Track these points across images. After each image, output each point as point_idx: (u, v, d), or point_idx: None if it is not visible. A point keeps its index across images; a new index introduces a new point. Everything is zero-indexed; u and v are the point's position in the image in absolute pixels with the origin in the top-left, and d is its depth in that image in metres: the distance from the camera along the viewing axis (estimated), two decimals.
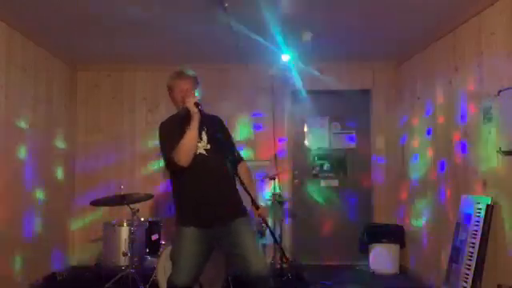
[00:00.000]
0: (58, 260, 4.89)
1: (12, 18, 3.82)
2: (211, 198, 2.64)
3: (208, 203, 2.63)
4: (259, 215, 2.77)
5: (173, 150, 2.57)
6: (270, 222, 4.66)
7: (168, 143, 2.64)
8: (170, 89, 2.83)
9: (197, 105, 2.60)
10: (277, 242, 2.94)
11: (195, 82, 2.81)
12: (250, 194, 2.68)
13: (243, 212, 2.73)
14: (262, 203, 2.85)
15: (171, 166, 2.64)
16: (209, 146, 2.69)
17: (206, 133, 2.71)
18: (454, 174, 3.95)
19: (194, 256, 2.63)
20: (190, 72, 2.83)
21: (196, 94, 2.71)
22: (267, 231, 4.61)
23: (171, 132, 2.66)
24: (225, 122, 2.92)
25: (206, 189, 2.64)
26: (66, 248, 5.18)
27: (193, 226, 2.63)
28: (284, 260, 4.43)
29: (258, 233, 4.14)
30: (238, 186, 2.75)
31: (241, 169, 2.82)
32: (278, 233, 5.05)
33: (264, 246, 4.71)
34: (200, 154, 2.66)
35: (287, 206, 5.29)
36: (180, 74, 2.81)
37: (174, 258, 2.68)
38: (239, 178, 2.71)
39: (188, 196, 2.69)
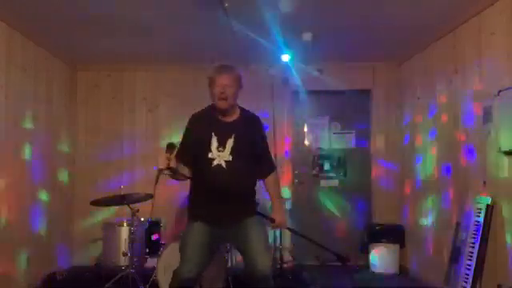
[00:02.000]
0: (57, 260, 4.89)
1: (12, 18, 3.81)
2: (222, 206, 2.62)
3: (219, 211, 2.63)
4: (277, 226, 2.78)
5: (179, 158, 2.54)
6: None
7: (182, 143, 2.63)
8: (210, 80, 2.62)
9: (167, 169, 2.48)
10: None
11: (237, 81, 2.64)
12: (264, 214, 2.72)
13: (253, 213, 2.71)
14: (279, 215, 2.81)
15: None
16: (230, 158, 2.60)
17: (233, 142, 2.60)
18: (455, 174, 3.95)
19: (200, 248, 2.63)
20: (237, 70, 2.66)
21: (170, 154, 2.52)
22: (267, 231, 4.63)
23: (188, 135, 2.66)
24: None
25: (217, 199, 2.62)
26: (67, 248, 5.18)
27: (201, 221, 2.64)
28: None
29: None
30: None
31: (268, 180, 2.80)
32: (277, 233, 5.05)
33: None
34: (218, 165, 2.59)
35: (287, 206, 5.29)
36: (223, 68, 2.63)
37: (180, 250, 2.70)
38: (264, 187, 2.76)
39: (200, 200, 2.70)
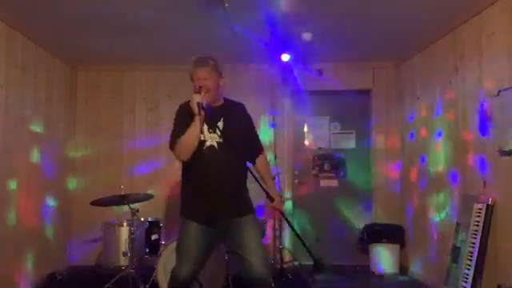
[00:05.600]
0: (57, 260, 4.89)
1: (12, 18, 3.81)
2: (215, 190, 2.60)
3: (211, 196, 2.60)
4: (273, 207, 2.76)
5: (176, 142, 2.57)
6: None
7: (174, 132, 2.63)
8: (190, 76, 2.69)
9: (198, 105, 2.50)
10: (299, 237, 2.90)
11: (216, 70, 2.66)
12: (264, 187, 2.67)
13: (249, 210, 2.70)
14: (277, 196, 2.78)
15: (174, 156, 2.66)
16: (221, 139, 2.61)
17: (223, 124, 2.61)
18: (454, 174, 3.95)
19: (196, 248, 2.62)
20: (210, 60, 2.67)
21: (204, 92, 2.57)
22: (266, 231, 4.63)
23: (180, 121, 2.63)
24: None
25: (211, 181, 2.60)
26: (67, 248, 5.18)
27: (195, 218, 2.62)
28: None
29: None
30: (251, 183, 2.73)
31: (259, 161, 2.82)
32: (277, 233, 5.05)
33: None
34: (211, 145, 2.61)
35: (287, 206, 5.29)
36: (199, 61, 2.66)
37: (176, 250, 2.69)
38: (255, 170, 2.71)
39: (193, 187, 2.67)
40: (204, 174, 2.61)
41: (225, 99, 2.79)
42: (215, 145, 2.61)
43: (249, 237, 2.60)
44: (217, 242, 2.75)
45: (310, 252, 2.61)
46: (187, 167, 2.69)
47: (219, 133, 2.60)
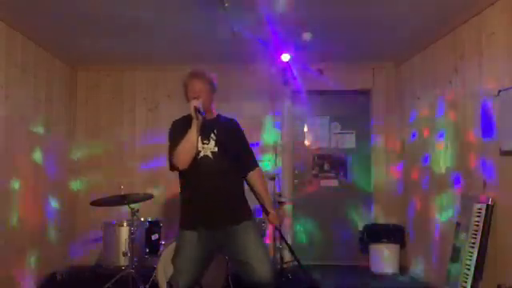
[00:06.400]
0: (57, 260, 4.89)
1: (12, 18, 3.81)
2: (211, 200, 2.62)
3: (208, 206, 2.62)
4: (269, 221, 2.78)
5: (174, 150, 2.60)
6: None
7: (171, 144, 2.66)
8: (184, 86, 2.76)
9: (195, 109, 2.57)
10: (290, 247, 2.96)
11: (210, 84, 2.75)
12: (260, 201, 2.71)
13: (247, 216, 2.70)
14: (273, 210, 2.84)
15: (172, 167, 2.67)
16: (216, 149, 2.65)
17: (216, 135, 2.66)
18: (454, 174, 3.95)
19: (194, 260, 2.61)
20: (208, 74, 2.77)
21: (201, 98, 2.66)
22: (266, 232, 4.62)
23: (176, 133, 2.67)
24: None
25: (207, 191, 2.63)
26: (67, 248, 5.18)
27: (193, 229, 2.62)
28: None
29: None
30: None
31: (253, 175, 2.81)
32: (277, 233, 5.04)
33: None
34: (205, 155, 2.64)
35: (287, 206, 5.29)
36: (194, 74, 2.75)
37: (173, 260, 2.67)
38: (249, 184, 2.73)
39: (189, 197, 2.69)
40: (199, 184, 2.64)
41: (218, 114, 2.85)
42: (209, 155, 2.65)
43: (249, 240, 2.60)
44: (215, 253, 2.73)
45: (306, 272, 2.63)
46: (183, 178, 2.72)
47: (213, 143, 2.65)
